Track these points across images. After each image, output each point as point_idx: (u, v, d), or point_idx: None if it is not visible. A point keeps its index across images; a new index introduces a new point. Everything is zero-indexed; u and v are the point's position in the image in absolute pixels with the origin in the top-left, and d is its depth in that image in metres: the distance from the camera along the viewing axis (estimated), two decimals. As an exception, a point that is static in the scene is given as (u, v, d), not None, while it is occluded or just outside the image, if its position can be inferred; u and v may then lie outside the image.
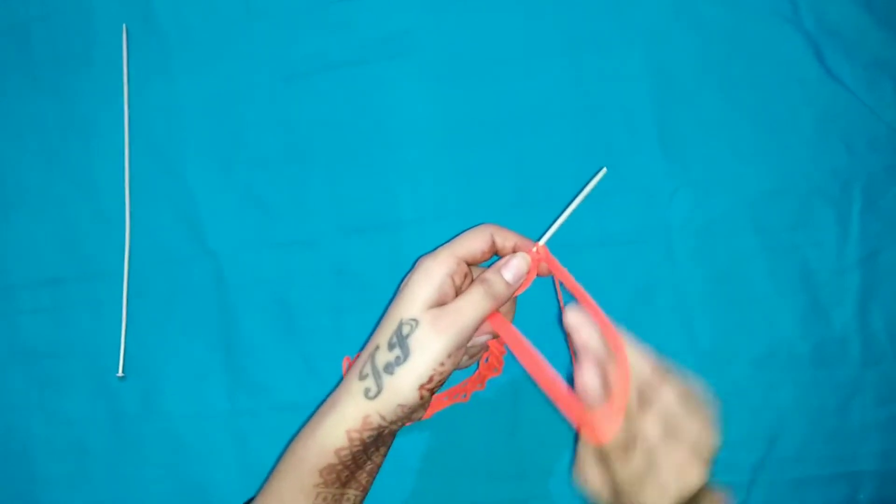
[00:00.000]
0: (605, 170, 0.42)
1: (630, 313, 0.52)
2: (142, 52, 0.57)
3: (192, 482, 0.54)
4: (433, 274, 0.37)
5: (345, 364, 0.52)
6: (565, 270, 0.41)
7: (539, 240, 0.42)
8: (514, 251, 0.40)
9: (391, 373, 0.36)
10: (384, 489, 0.52)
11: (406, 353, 0.36)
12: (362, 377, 0.37)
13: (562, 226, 0.52)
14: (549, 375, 0.38)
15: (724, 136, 0.53)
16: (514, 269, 0.39)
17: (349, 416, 0.37)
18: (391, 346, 0.36)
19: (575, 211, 0.53)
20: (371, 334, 0.40)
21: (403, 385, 0.36)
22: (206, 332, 0.54)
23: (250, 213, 0.55)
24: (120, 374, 0.54)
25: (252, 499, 0.43)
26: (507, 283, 0.39)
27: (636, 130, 0.53)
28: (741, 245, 0.52)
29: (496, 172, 0.54)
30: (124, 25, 0.56)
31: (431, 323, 0.36)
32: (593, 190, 0.53)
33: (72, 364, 0.55)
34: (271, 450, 0.53)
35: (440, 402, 0.52)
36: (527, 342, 0.39)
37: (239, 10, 0.56)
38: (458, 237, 0.40)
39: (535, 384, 0.52)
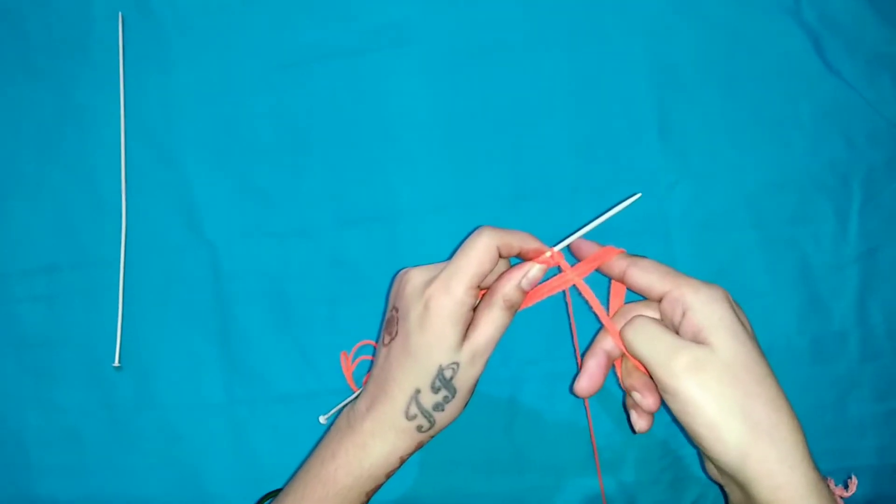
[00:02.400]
0: (639, 195, 0.43)
1: (628, 306, 0.52)
2: (138, 40, 0.56)
3: (188, 472, 0.53)
4: (456, 316, 0.38)
5: (343, 359, 0.51)
6: (583, 282, 0.42)
7: (555, 245, 0.42)
8: (520, 254, 0.41)
9: (442, 410, 0.40)
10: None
11: (453, 392, 0.40)
12: (411, 418, 0.40)
13: (561, 220, 0.52)
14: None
15: (723, 130, 0.53)
16: (532, 280, 0.41)
17: (402, 446, 0.41)
18: (436, 390, 0.39)
19: (575, 204, 0.53)
20: (388, 370, 0.41)
21: (454, 413, 0.41)
22: (202, 321, 0.54)
23: (247, 203, 0.55)
24: (116, 363, 0.54)
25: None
26: (525, 292, 0.41)
27: (635, 123, 0.53)
28: (740, 238, 0.52)
29: (494, 164, 0.53)
30: (120, 13, 0.56)
31: (470, 360, 0.39)
32: (594, 186, 0.53)
33: (67, 353, 0.55)
34: (267, 440, 0.53)
35: None
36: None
37: (235, -2, 0.56)
38: (462, 255, 0.39)
39: (532, 369, 0.52)
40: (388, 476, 0.42)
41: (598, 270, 0.43)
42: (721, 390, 0.35)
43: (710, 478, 0.43)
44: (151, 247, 0.55)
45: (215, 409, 0.54)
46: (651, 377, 0.38)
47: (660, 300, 0.40)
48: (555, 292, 0.43)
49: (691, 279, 0.39)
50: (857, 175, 0.52)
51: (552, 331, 0.51)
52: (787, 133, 0.53)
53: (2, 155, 0.57)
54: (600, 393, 0.43)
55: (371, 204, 0.54)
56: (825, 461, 0.51)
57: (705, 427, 0.35)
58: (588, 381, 0.41)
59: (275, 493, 0.49)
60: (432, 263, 0.42)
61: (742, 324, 0.38)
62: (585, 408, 0.48)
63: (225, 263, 0.54)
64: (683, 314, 0.38)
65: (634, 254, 0.43)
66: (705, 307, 0.37)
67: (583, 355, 0.43)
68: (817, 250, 0.52)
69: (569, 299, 0.44)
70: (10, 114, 0.57)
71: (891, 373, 0.51)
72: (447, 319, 0.38)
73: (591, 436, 0.48)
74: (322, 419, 0.51)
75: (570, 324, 0.45)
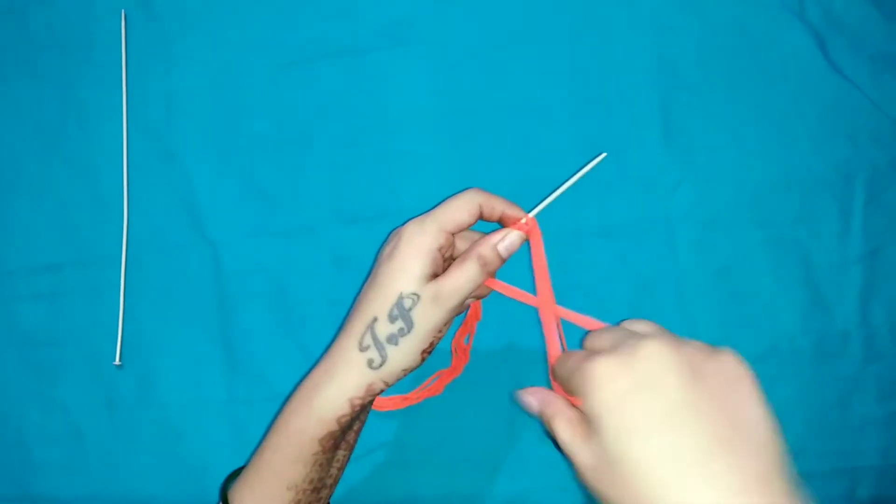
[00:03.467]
0: (604, 154, 0.42)
1: (631, 305, 0.52)
2: (141, 38, 0.56)
3: (189, 470, 0.53)
4: (424, 248, 0.39)
5: None
6: (542, 249, 0.42)
7: (530, 212, 0.42)
8: (501, 219, 0.41)
9: (395, 343, 0.38)
10: (385, 483, 0.52)
11: (410, 326, 0.38)
12: (363, 348, 0.39)
13: (564, 216, 0.52)
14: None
15: (727, 129, 0.53)
16: (509, 245, 0.40)
17: (351, 384, 0.39)
18: (392, 319, 0.38)
19: (578, 202, 0.53)
20: (354, 306, 0.40)
21: (408, 353, 0.39)
22: (203, 320, 0.54)
23: (249, 202, 0.54)
24: (117, 362, 0.54)
25: (241, 469, 0.43)
26: (501, 258, 0.40)
27: (639, 122, 0.53)
28: (743, 238, 0.52)
29: (497, 162, 0.53)
30: (123, 11, 0.56)
31: (433, 298, 0.38)
32: (596, 180, 0.53)
33: (69, 351, 0.55)
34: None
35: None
36: (522, 291, 0.42)
37: (239, -4, 0.56)
38: (445, 204, 0.40)
39: (533, 369, 0.52)
40: (341, 425, 0.39)
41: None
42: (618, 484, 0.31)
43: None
44: (153, 245, 0.55)
45: (216, 408, 0.53)
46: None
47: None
48: (523, 301, 0.42)
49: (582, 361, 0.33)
50: (860, 174, 0.52)
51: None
52: (790, 132, 0.52)
53: (5, 153, 0.57)
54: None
55: (373, 203, 0.54)
56: (828, 462, 0.51)
57: None
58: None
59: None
60: None
61: (631, 398, 0.32)
62: None
63: (227, 262, 0.54)
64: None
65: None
66: (592, 394, 0.32)
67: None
68: (821, 250, 0.52)
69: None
70: (13, 112, 0.57)
71: (894, 373, 0.51)
72: (414, 251, 0.38)
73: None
74: None
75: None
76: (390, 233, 0.43)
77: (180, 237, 0.55)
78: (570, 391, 0.35)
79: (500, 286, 0.42)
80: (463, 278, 0.39)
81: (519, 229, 0.41)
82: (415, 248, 0.38)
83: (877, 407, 0.51)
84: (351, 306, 0.42)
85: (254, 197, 0.55)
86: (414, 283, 0.38)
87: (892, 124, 0.52)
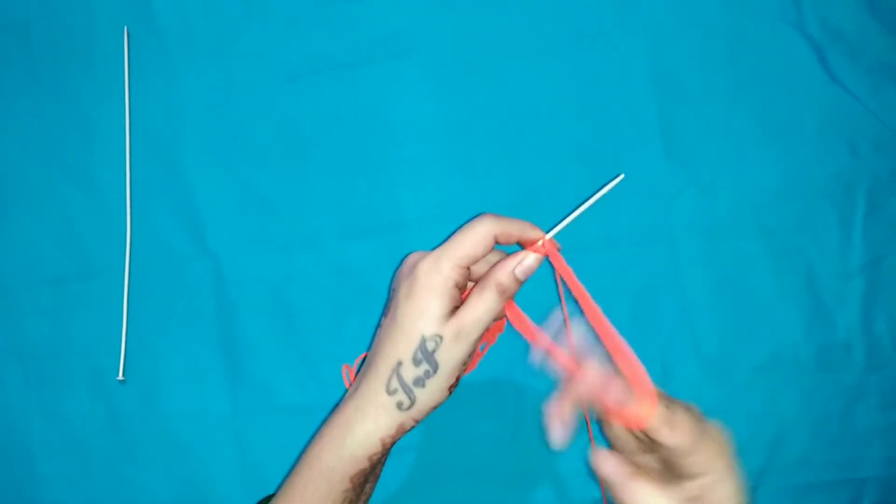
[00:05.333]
0: (622, 176, 0.42)
1: (633, 315, 0.52)
2: (143, 51, 0.56)
3: (192, 483, 0.53)
4: (441, 287, 0.38)
5: (344, 372, 0.51)
6: (568, 267, 0.41)
7: (547, 232, 0.42)
8: (518, 241, 0.41)
9: (423, 385, 0.39)
10: (388, 493, 0.52)
11: (435, 367, 0.39)
12: (391, 392, 0.39)
13: (566, 227, 0.52)
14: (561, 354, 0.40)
15: (727, 139, 0.53)
16: (526, 269, 0.40)
17: (383, 426, 0.40)
18: (417, 362, 0.39)
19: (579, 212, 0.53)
20: (376, 344, 0.40)
21: (434, 392, 0.39)
22: (206, 332, 0.54)
23: (251, 214, 0.55)
24: (120, 377, 0.54)
25: (267, 499, 0.43)
26: (519, 282, 0.40)
27: (640, 132, 0.53)
28: (745, 247, 0.52)
29: (499, 173, 0.54)
30: (126, 28, 0.56)
31: (455, 335, 0.38)
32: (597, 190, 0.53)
33: (71, 364, 0.55)
34: (271, 450, 0.53)
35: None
36: (533, 325, 0.42)
37: (240, 10, 0.56)
38: (459, 237, 0.39)
39: (538, 380, 0.52)
40: (372, 462, 0.40)
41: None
42: None
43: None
44: (156, 258, 0.55)
45: (219, 420, 0.53)
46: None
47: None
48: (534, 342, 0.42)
49: (717, 448, 0.37)
50: (861, 184, 0.52)
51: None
52: (791, 142, 0.53)
53: (7, 166, 0.57)
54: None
55: (375, 214, 0.54)
56: (831, 472, 0.51)
57: None
58: (562, 434, 0.40)
59: (270, 498, 0.48)
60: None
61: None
62: (587, 422, 0.48)
63: (229, 274, 0.54)
64: (707, 485, 0.36)
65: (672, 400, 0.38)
66: (727, 486, 0.37)
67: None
68: (822, 259, 0.52)
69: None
70: (16, 125, 0.57)
71: (897, 382, 0.51)
72: (432, 291, 0.38)
73: (591, 447, 0.48)
74: None
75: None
76: (403, 261, 0.42)
77: (183, 249, 0.55)
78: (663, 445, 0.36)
79: (515, 315, 0.42)
80: (483, 309, 0.39)
81: (536, 251, 0.40)
82: (432, 287, 0.38)
83: (880, 416, 0.51)
84: (372, 340, 0.43)
85: (256, 209, 0.55)
86: (435, 325, 0.38)
87: (892, 134, 0.52)
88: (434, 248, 0.42)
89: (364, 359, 0.52)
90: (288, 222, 0.54)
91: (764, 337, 0.52)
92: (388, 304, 0.42)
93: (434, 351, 0.38)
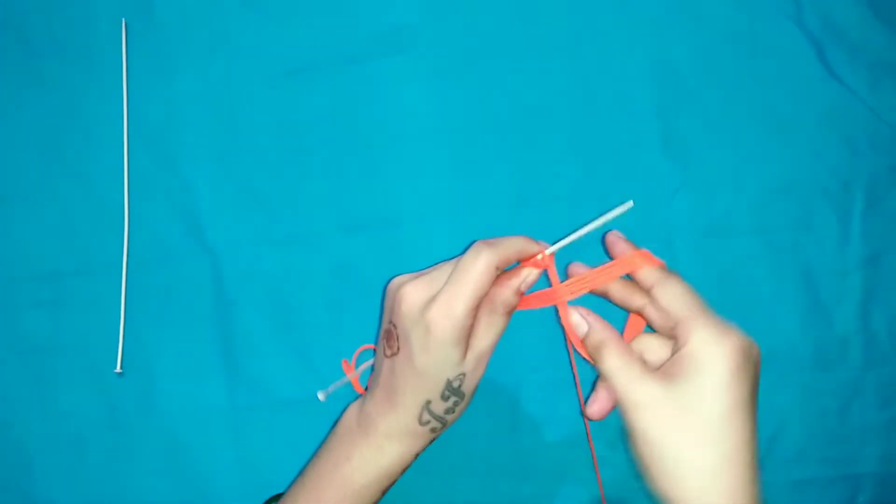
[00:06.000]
0: (631, 203, 0.42)
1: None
2: (141, 46, 0.56)
3: (190, 478, 0.53)
4: (458, 334, 0.39)
5: (344, 366, 0.51)
6: (566, 304, 0.42)
7: (548, 249, 0.42)
8: (518, 258, 0.41)
9: (452, 412, 0.42)
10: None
11: (461, 396, 0.41)
12: (424, 423, 0.41)
13: (563, 226, 0.52)
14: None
15: (725, 136, 0.53)
16: (529, 284, 0.41)
17: (417, 445, 0.42)
18: (445, 398, 0.40)
19: (577, 210, 0.53)
20: (392, 381, 0.41)
21: (463, 409, 0.42)
22: (204, 328, 0.54)
23: (249, 209, 0.55)
24: (118, 370, 0.54)
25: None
26: (515, 292, 0.41)
27: (638, 129, 0.53)
28: (742, 244, 0.52)
29: (497, 170, 0.53)
30: (123, 20, 0.56)
31: (475, 367, 0.40)
32: (594, 188, 0.53)
33: (69, 359, 0.55)
34: (269, 445, 0.53)
35: None
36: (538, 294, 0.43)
37: (238, 5, 0.56)
38: (462, 277, 0.38)
39: (536, 375, 0.52)
40: (405, 470, 0.43)
41: (593, 293, 0.42)
42: (703, 442, 0.34)
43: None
44: (154, 253, 0.55)
45: (217, 415, 0.53)
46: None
47: (674, 325, 0.38)
48: (543, 306, 0.43)
49: (718, 320, 0.36)
50: (859, 181, 0.52)
51: (554, 338, 0.51)
52: (789, 139, 0.53)
53: (5, 161, 0.57)
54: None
55: (373, 210, 0.54)
56: (827, 468, 0.51)
57: (670, 478, 0.34)
58: (599, 406, 0.41)
59: (277, 497, 0.49)
60: (423, 271, 0.42)
61: (750, 380, 0.35)
62: (584, 420, 0.48)
63: (227, 270, 0.54)
64: (690, 349, 0.35)
65: (670, 269, 0.41)
66: (718, 350, 0.35)
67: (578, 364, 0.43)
68: (820, 256, 0.52)
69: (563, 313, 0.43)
70: (14, 120, 0.57)
71: (894, 380, 0.51)
72: (450, 342, 0.38)
73: (590, 445, 0.48)
74: (321, 395, 0.51)
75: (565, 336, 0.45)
76: (388, 284, 0.43)
77: (181, 245, 0.55)
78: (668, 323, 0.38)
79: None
80: (495, 333, 0.41)
81: (535, 265, 0.41)
82: (451, 339, 0.38)
83: (877, 413, 0.51)
84: (380, 370, 0.43)
85: (254, 205, 0.55)
86: (457, 367, 0.39)
87: (891, 131, 0.52)
88: (425, 274, 0.42)
89: (363, 352, 0.52)
90: (286, 218, 0.54)
91: (761, 334, 0.50)
92: (391, 338, 0.41)
93: (460, 386, 0.40)
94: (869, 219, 0.52)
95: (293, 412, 0.53)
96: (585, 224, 0.42)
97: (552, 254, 0.42)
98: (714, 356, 0.34)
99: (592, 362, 0.40)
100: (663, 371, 0.36)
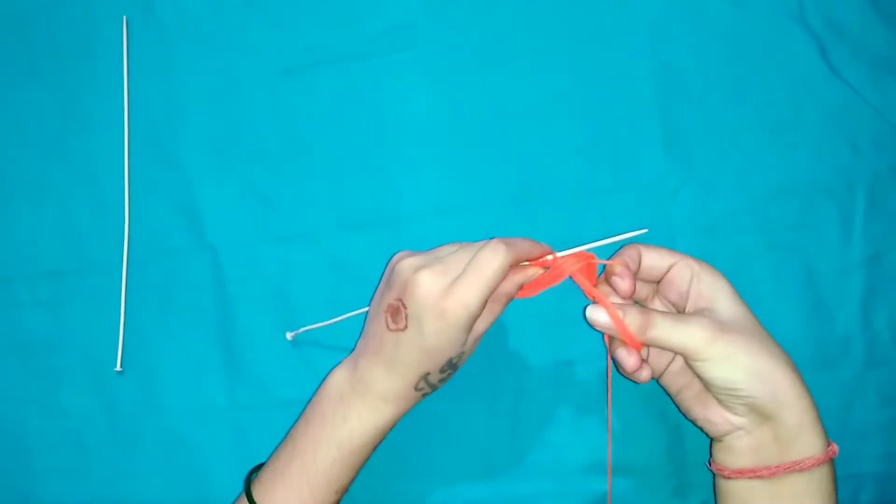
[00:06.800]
0: (645, 230, 0.44)
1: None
2: (142, 44, 0.56)
3: (190, 477, 0.53)
4: (469, 322, 0.41)
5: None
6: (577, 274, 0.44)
7: (558, 254, 0.43)
8: (526, 258, 0.43)
9: (443, 381, 0.45)
10: (385, 487, 0.52)
11: (455, 369, 0.45)
12: (418, 389, 0.44)
13: (564, 225, 0.52)
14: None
15: (727, 135, 0.53)
16: (528, 276, 0.44)
17: (408, 407, 0.45)
18: (443, 371, 0.44)
19: (578, 208, 0.53)
20: (394, 350, 0.42)
21: (448, 379, 0.45)
22: (204, 326, 0.54)
23: (250, 207, 0.55)
24: (118, 368, 0.54)
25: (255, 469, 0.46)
26: (518, 286, 0.44)
27: (639, 127, 0.53)
28: (744, 243, 0.52)
29: (498, 168, 0.53)
30: (124, 17, 0.56)
31: (472, 345, 0.44)
32: (596, 187, 0.53)
33: (70, 357, 0.55)
34: (269, 444, 0.53)
35: None
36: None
37: (239, 3, 0.56)
38: (482, 272, 0.40)
39: (536, 372, 0.52)
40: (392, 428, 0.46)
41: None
42: (744, 345, 0.41)
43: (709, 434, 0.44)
44: (154, 251, 0.55)
45: (218, 414, 0.53)
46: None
47: (661, 277, 0.45)
48: (552, 285, 0.44)
49: (696, 259, 0.45)
50: (861, 180, 0.52)
51: (554, 337, 0.51)
52: (791, 138, 0.52)
53: (6, 159, 0.57)
54: (604, 400, 0.44)
55: (374, 208, 0.54)
56: (830, 468, 0.51)
57: (739, 371, 0.41)
58: (641, 365, 0.43)
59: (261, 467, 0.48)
60: (431, 252, 0.43)
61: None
62: (608, 413, 0.48)
63: (227, 268, 0.54)
64: (691, 282, 0.44)
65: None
66: (710, 277, 0.44)
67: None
68: (822, 255, 0.52)
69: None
70: (14, 117, 0.57)
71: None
72: (463, 328, 0.41)
73: (608, 439, 0.48)
74: (289, 335, 0.52)
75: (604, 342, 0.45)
76: (393, 259, 0.44)
77: (181, 243, 0.55)
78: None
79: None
80: (491, 317, 0.44)
81: (541, 266, 0.43)
82: (463, 326, 0.41)
83: (878, 413, 0.51)
84: (392, 352, 0.43)
85: (254, 203, 0.55)
86: (460, 348, 0.43)
87: (893, 130, 0.52)
88: (436, 257, 0.42)
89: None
90: (286, 216, 0.54)
91: (763, 333, 0.51)
92: (398, 315, 0.42)
93: (457, 361, 0.44)
94: (871, 218, 0.52)
95: (293, 410, 0.52)
96: (590, 227, 0.43)
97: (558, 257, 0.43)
98: (717, 284, 0.43)
99: (634, 343, 0.42)
100: (693, 310, 0.43)
